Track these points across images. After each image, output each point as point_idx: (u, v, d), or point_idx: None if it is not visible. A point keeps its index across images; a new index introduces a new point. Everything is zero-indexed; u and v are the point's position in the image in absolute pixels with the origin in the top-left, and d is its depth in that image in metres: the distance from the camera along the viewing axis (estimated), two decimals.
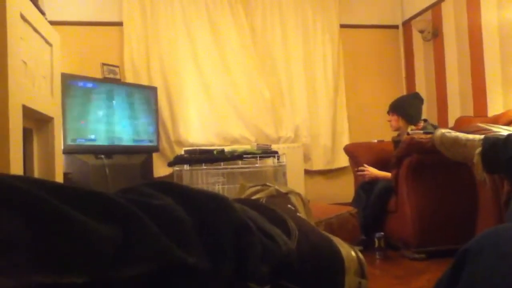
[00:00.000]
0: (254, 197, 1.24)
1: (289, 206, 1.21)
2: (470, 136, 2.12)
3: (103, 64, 4.08)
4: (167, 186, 0.66)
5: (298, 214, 1.18)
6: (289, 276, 0.72)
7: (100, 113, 3.69)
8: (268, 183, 1.34)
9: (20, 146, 1.68)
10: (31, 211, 0.45)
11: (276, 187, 1.30)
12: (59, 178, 2.23)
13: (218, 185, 3.76)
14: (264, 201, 1.19)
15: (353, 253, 0.92)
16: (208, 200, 0.65)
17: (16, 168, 1.61)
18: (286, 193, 1.28)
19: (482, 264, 0.59)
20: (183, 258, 0.53)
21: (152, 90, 4.15)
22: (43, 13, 2.09)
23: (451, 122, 3.87)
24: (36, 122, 2.11)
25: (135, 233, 0.51)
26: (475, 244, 0.63)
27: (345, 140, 4.57)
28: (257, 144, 4.03)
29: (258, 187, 1.29)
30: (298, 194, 1.33)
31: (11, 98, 1.57)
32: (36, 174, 2.08)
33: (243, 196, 1.28)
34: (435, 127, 3.08)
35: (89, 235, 0.47)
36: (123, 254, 0.48)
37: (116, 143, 3.78)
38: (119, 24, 4.33)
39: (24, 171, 1.85)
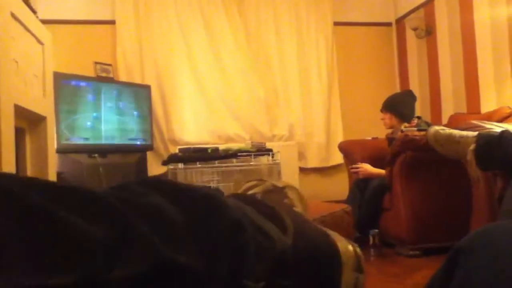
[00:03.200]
0: (250, 192, 1.23)
1: (285, 200, 1.20)
2: (464, 133, 2.13)
3: (96, 63, 4.05)
4: (158, 183, 0.65)
5: (294, 208, 1.17)
6: (285, 273, 0.71)
7: (93, 112, 3.67)
8: (264, 178, 1.33)
9: (12, 146, 1.67)
10: (19, 211, 0.44)
11: (273, 182, 1.29)
12: (52, 178, 2.22)
13: (213, 184, 3.75)
14: (260, 196, 1.18)
15: (350, 248, 0.90)
16: (200, 198, 0.64)
17: (9, 168, 1.59)
18: (283, 188, 1.27)
19: (475, 263, 0.59)
20: (175, 258, 0.52)
21: (146, 88, 4.13)
22: (34, 11, 2.07)
23: (444, 119, 3.89)
24: (29, 121, 2.10)
25: (126, 233, 0.50)
26: (467, 242, 0.63)
27: (339, 138, 4.57)
28: (252, 142, 4.03)
29: (254, 182, 1.28)
30: (295, 189, 1.31)
31: (3, 98, 1.55)
32: (29, 174, 2.07)
33: (239, 192, 1.27)
34: (428, 124, 3.08)
35: (79, 236, 0.46)
36: (113, 254, 0.47)
37: (110, 142, 3.76)
38: (112, 22, 4.31)
39: (17, 171, 1.83)
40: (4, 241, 0.42)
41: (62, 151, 3.38)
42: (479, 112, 3.52)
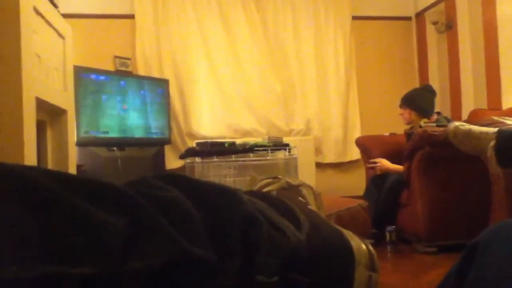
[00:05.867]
0: (265, 190, 1.24)
1: (300, 198, 1.20)
2: (484, 129, 2.10)
3: (115, 57, 4.10)
4: (175, 178, 0.66)
5: (308, 206, 1.18)
6: (298, 268, 0.72)
7: (113, 105, 3.72)
8: (279, 176, 1.33)
9: (34, 138, 1.70)
10: (43, 201, 0.46)
11: (287, 179, 1.30)
12: (72, 170, 2.25)
13: (229, 178, 3.77)
14: (275, 194, 1.19)
15: (363, 246, 0.91)
16: (216, 193, 0.65)
17: (30, 160, 1.63)
18: (297, 186, 1.28)
19: (492, 258, 0.58)
20: (191, 250, 0.53)
21: (164, 82, 4.17)
22: (55, 6, 2.10)
23: (464, 115, 3.83)
24: (50, 114, 2.13)
25: (144, 225, 0.52)
26: (485, 237, 0.62)
27: (357, 133, 4.54)
28: (268, 137, 4.03)
29: (269, 180, 1.29)
30: (309, 187, 1.32)
31: (25, 91, 1.58)
32: (50, 166, 2.11)
33: (254, 189, 1.28)
34: (448, 120, 3.04)
35: (99, 227, 0.47)
36: (132, 246, 0.49)
37: (128, 135, 3.80)
38: (131, 16, 4.35)
39: (38, 163, 1.87)
40: (28, 231, 0.43)
41: (82, 144, 3.43)
42: (500, 108, 3.46)
